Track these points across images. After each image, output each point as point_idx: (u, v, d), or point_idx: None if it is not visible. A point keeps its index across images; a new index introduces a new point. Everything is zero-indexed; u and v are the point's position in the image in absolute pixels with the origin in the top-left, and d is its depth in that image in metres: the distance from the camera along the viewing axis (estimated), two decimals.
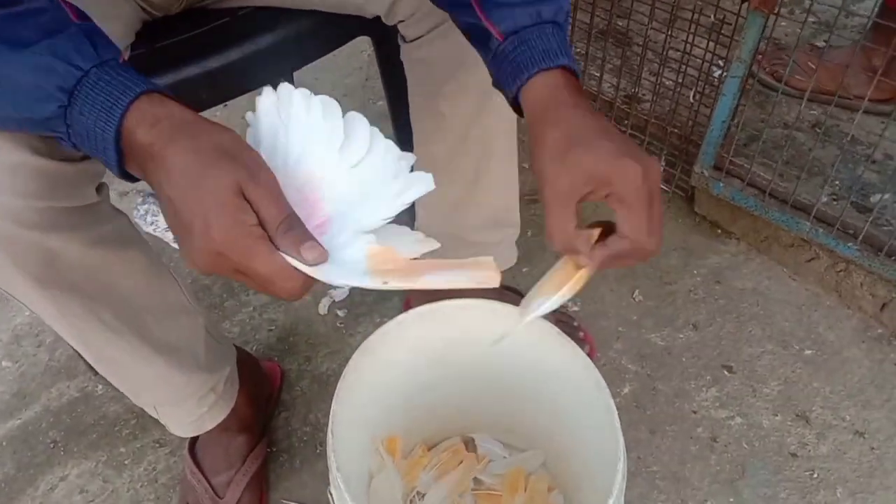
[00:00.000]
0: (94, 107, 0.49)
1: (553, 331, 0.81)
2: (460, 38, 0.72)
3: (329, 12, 0.89)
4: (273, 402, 1.11)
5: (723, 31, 1.17)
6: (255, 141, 0.56)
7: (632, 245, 0.58)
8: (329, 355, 1.19)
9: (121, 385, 0.84)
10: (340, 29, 0.93)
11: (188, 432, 0.94)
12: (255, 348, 1.20)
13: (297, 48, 0.90)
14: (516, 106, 0.64)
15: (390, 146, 0.57)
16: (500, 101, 0.67)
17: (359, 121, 0.57)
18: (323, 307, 1.25)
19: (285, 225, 0.50)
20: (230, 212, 0.48)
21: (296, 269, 0.50)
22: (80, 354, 1.12)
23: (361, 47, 1.81)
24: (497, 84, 0.67)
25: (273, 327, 1.23)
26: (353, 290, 1.27)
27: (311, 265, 0.50)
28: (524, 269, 1.29)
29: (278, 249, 0.50)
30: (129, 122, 0.50)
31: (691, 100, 1.31)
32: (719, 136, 1.19)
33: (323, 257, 0.50)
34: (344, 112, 0.57)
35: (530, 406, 0.91)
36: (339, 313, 1.24)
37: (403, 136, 1.00)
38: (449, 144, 0.93)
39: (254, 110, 0.57)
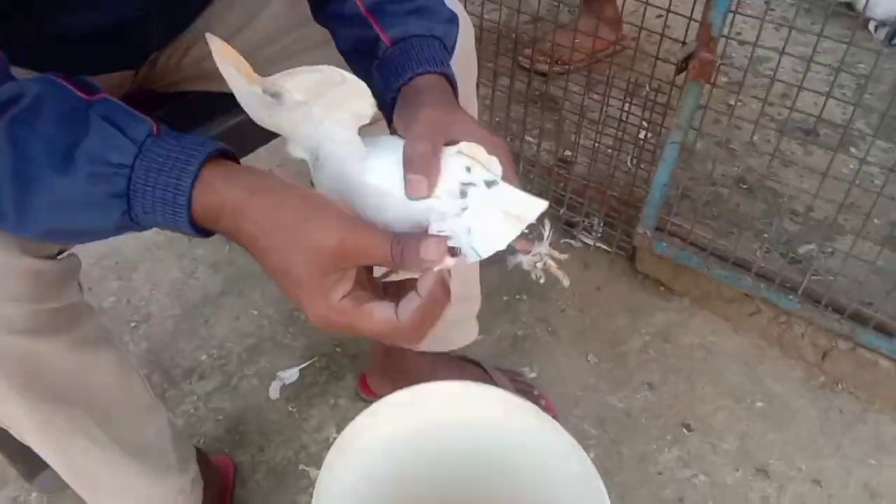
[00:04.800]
0: (156, 201, 0.48)
1: (533, 409, 0.80)
2: None
3: None
4: (228, 500, 1.04)
5: (658, 98, 1.22)
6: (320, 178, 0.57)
7: None
8: (283, 444, 1.13)
9: (90, 496, 0.77)
10: None
11: None
12: (202, 441, 1.13)
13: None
14: (389, 109, 0.62)
15: None
16: None
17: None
18: (274, 391, 1.19)
19: (397, 249, 0.48)
20: (323, 293, 0.48)
21: (397, 319, 0.49)
22: (11, 463, 1.04)
23: None
24: (378, 94, 0.61)
25: (220, 417, 1.17)
26: (302, 371, 1.22)
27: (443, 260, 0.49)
28: (480, 336, 1.27)
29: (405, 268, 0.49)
30: (196, 202, 0.48)
31: (629, 164, 1.35)
32: (660, 199, 1.23)
33: (443, 244, 0.48)
34: None
35: (510, 485, 0.88)
36: (290, 398, 1.19)
37: None
38: None
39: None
